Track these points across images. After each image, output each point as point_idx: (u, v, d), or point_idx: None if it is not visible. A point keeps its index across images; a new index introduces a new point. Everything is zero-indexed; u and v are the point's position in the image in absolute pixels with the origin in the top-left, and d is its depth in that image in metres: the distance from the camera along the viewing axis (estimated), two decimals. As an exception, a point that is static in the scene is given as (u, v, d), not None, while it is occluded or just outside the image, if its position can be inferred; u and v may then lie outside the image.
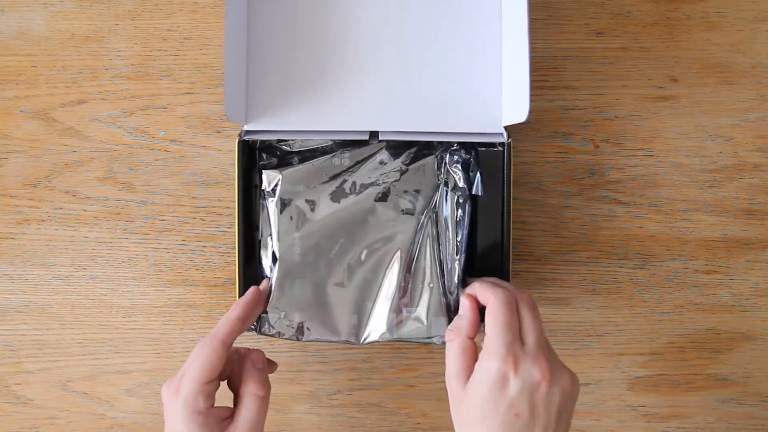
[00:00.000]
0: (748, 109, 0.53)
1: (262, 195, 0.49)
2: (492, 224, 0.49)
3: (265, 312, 0.48)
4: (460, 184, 0.48)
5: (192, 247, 0.54)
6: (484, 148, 0.49)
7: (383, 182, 0.48)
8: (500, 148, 0.48)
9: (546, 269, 0.54)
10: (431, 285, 0.48)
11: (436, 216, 0.48)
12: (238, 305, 0.45)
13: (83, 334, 0.55)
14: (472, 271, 0.49)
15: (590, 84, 0.53)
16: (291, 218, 0.48)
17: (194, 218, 0.54)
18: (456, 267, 0.48)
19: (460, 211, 0.48)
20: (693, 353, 0.55)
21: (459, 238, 0.48)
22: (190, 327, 0.54)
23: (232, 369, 0.46)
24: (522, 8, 0.45)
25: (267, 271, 0.49)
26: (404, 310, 0.48)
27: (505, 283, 0.46)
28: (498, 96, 0.50)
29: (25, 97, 0.54)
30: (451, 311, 0.48)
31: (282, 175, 0.48)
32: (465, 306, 0.45)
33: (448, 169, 0.48)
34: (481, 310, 0.44)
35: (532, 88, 0.44)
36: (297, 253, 0.48)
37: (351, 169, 0.48)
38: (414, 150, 0.49)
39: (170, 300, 0.54)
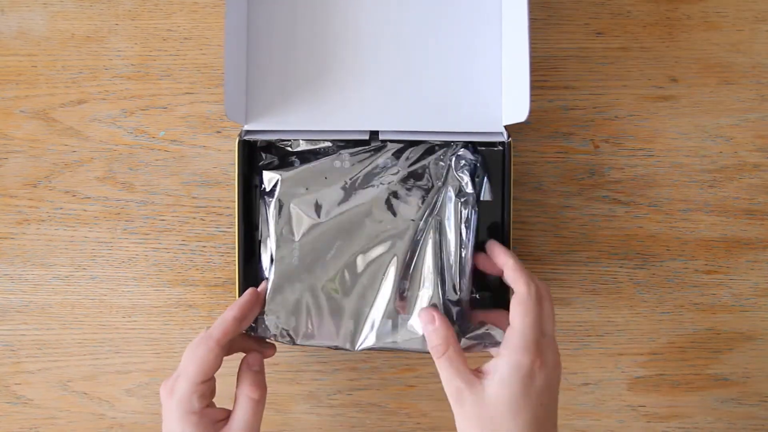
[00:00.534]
0: (748, 109, 0.53)
1: (262, 195, 0.49)
2: (492, 224, 0.49)
3: (263, 313, 0.47)
4: (468, 189, 0.47)
5: (192, 247, 0.54)
6: (484, 148, 0.49)
7: (383, 185, 0.48)
8: (500, 148, 0.48)
9: (546, 269, 0.54)
10: (430, 292, 0.46)
11: (439, 221, 0.47)
12: (234, 306, 0.45)
13: (83, 334, 0.55)
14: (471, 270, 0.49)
15: (590, 84, 0.53)
16: (289, 220, 0.47)
17: (194, 218, 0.54)
18: (457, 276, 0.46)
19: (466, 217, 0.47)
20: (693, 353, 0.55)
21: (464, 253, 0.46)
22: (190, 327, 0.54)
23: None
24: (522, 8, 0.45)
25: (267, 272, 0.48)
26: (400, 317, 0.47)
27: (526, 270, 0.45)
28: (498, 96, 0.50)
29: (25, 97, 0.54)
30: (452, 320, 0.46)
31: (281, 176, 0.48)
32: (434, 317, 0.44)
33: (453, 174, 0.47)
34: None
35: (532, 88, 0.44)
36: (294, 256, 0.47)
37: (351, 172, 0.48)
38: (415, 153, 0.48)
39: (170, 300, 0.54)
